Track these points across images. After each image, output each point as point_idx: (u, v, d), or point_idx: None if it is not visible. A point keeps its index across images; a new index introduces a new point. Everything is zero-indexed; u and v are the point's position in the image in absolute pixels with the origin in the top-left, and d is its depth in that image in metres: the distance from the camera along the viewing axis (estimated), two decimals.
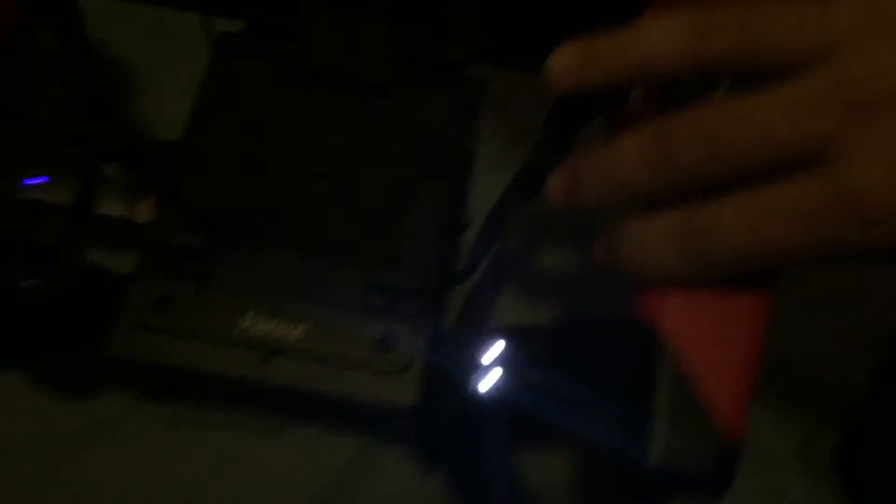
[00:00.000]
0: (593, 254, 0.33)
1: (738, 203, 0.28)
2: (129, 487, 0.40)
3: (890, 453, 0.40)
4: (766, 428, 0.42)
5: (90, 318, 0.35)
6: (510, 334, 0.33)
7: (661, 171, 0.29)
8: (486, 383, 0.33)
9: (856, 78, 0.26)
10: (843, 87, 0.26)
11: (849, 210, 0.26)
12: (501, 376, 0.33)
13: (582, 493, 0.40)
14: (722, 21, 0.28)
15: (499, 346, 0.33)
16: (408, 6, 0.41)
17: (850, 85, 0.26)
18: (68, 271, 0.35)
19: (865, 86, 0.26)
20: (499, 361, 0.33)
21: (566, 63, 0.31)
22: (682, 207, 0.29)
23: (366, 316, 0.35)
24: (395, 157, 0.39)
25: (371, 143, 0.40)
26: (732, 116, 0.28)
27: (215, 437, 0.41)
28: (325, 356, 0.35)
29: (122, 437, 0.41)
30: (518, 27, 0.45)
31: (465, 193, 0.43)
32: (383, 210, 0.38)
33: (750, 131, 0.27)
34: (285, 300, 0.35)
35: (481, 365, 0.33)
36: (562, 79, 0.31)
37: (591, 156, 0.31)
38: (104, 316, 0.35)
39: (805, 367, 0.43)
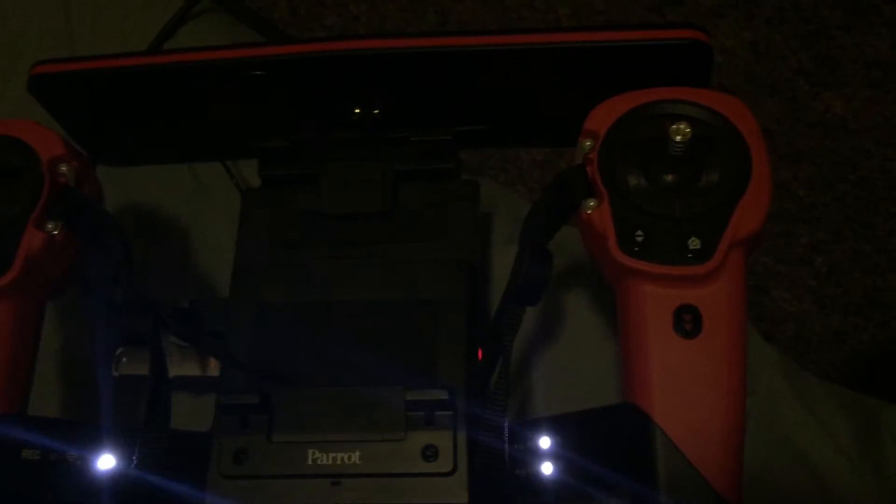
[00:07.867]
0: None
1: None
2: None
3: None
4: None
5: (185, 475, 0.42)
6: (549, 427, 0.38)
7: None
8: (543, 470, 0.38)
9: None
10: None
11: None
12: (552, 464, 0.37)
13: None
14: None
15: (545, 440, 0.38)
16: (398, 137, 0.46)
17: None
18: (159, 444, 0.41)
19: None
20: (548, 452, 0.38)
21: None
22: None
23: (410, 430, 0.40)
24: (414, 276, 0.44)
25: (391, 267, 0.45)
26: None
27: None
28: (382, 473, 0.40)
29: None
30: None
31: (484, 289, 0.47)
32: (412, 330, 0.43)
33: None
34: (341, 430, 0.41)
35: (536, 454, 0.38)
36: None
37: None
38: (197, 470, 0.41)
39: None
